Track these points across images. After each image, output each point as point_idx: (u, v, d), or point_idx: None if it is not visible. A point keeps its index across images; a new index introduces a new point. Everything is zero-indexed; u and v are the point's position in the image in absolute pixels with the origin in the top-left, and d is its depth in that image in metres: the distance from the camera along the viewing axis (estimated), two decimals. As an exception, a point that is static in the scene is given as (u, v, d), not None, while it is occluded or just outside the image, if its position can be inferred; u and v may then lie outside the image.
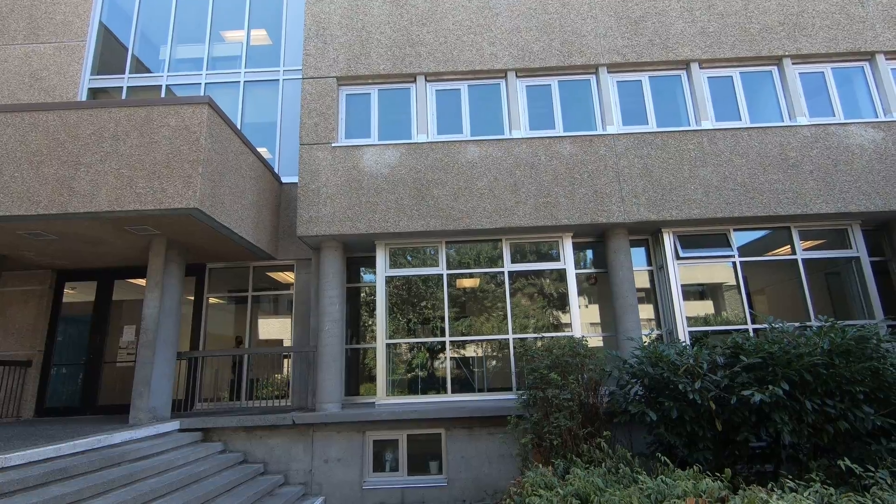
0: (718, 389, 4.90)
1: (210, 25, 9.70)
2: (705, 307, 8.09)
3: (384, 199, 7.59)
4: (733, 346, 5.37)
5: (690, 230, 7.77)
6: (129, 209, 6.00)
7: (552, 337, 7.11)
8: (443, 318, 7.66)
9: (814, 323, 7.02)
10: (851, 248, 7.64)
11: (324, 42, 8.44)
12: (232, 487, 5.89)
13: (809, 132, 7.69)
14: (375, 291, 7.76)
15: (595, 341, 7.95)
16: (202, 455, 6.31)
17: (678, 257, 7.64)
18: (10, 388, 7.93)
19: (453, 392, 7.44)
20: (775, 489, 3.60)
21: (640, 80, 8.34)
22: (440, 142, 7.88)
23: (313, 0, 8.66)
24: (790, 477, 4.13)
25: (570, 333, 7.38)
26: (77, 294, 8.90)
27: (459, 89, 8.41)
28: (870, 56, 8.21)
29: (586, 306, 8.28)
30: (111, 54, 9.66)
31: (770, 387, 4.54)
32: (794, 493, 3.31)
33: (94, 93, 9.43)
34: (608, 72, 8.31)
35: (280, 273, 8.97)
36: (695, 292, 8.04)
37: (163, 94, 9.35)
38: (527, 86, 8.40)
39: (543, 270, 7.95)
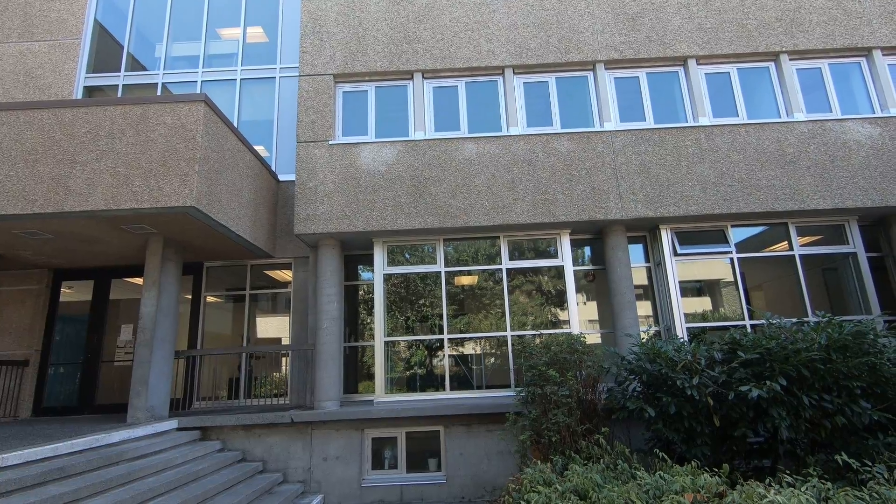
0: (716, 385, 4.91)
1: (206, 23, 9.65)
2: (703, 303, 8.10)
3: (382, 197, 7.58)
4: (731, 342, 5.37)
5: (688, 226, 7.77)
6: (126, 208, 5.97)
7: (550, 334, 7.12)
8: (441, 316, 7.66)
9: (811, 318, 7.05)
10: (848, 243, 7.66)
11: (320, 39, 8.41)
12: (231, 486, 5.88)
13: (806, 128, 7.70)
14: (373, 289, 7.76)
15: (593, 338, 7.96)
16: (200, 454, 6.31)
17: (676, 254, 7.65)
18: (8, 388, 7.91)
19: (452, 389, 7.45)
20: (773, 484, 3.61)
21: (638, 77, 8.33)
22: (437, 139, 7.86)
23: (309, -3, 8.62)
24: (788, 472, 4.14)
25: (568, 330, 7.38)
26: (74, 293, 8.87)
27: (457, 86, 8.39)
28: (867, 52, 8.21)
29: (584, 303, 8.29)
30: (106, 52, 9.61)
31: (768, 382, 4.56)
32: (791, 488, 3.32)
33: (89, 91, 9.37)
34: (605, 68, 8.30)
35: (278, 271, 8.96)
36: (692, 289, 8.05)
37: (159, 92, 9.30)
38: (524, 83, 8.38)
39: (541, 267, 7.95)
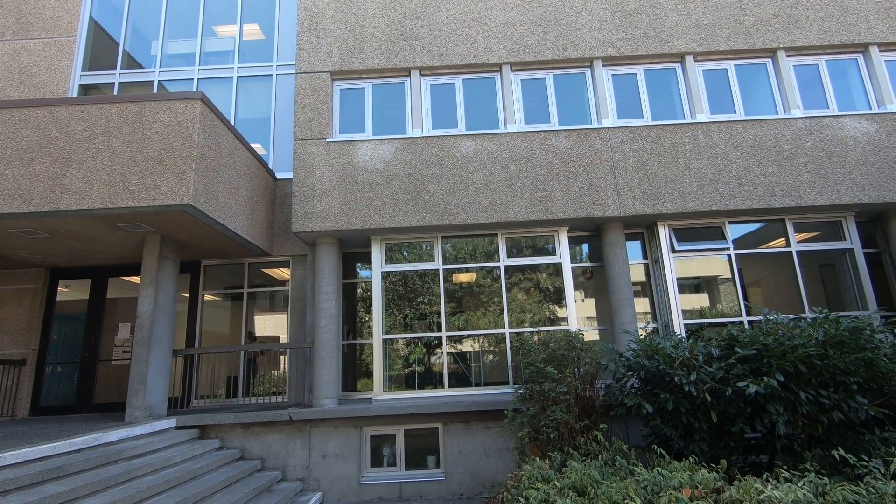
0: (714, 381, 4.92)
1: (202, 20, 9.60)
2: (701, 300, 8.12)
3: (379, 195, 7.57)
4: (728, 338, 5.38)
5: (686, 223, 7.78)
6: (122, 206, 5.95)
7: (548, 331, 7.12)
8: (439, 314, 7.66)
9: (808, 314, 7.08)
10: (845, 239, 7.68)
11: (317, 36, 8.38)
12: (229, 484, 5.88)
13: (804, 124, 7.71)
14: (372, 287, 7.75)
15: (591, 335, 7.97)
16: (199, 452, 6.30)
17: (673, 250, 7.66)
18: (5, 388, 7.89)
19: (450, 387, 7.45)
20: (770, 479, 3.62)
21: (635, 74, 8.32)
22: (435, 136, 7.85)
23: (306, -6, 8.59)
24: (785, 467, 4.15)
25: (566, 327, 7.40)
26: (71, 292, 8.84)
27: (454, 83, 8.37)
28: (863, 48, 8.22)
29: (582, 300, 8.30)
30: (102, 50, 9.56)
31: (765, 378, 4.56)
32: (788, 483, 3.33)
33: (85, 89, 9.33)
34: (603, 65, 8.29)
35: (276, 269, 8.95)
36: (690, 285, 8.07)
37: (155, 90, 9.26)
38: (522, 79, 8.36)
39: (539, 265, 7.95)
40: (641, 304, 7.97)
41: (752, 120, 7.75)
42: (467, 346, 7.87)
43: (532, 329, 7.50)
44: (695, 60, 8.25)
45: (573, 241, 8.19)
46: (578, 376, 5.99)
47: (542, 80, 8.36)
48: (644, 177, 7.55)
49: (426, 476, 6.87)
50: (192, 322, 8.44)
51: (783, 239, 7.75)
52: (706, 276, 8.20)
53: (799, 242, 7.72)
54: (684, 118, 8.05)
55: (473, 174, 7.63)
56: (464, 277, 8.09)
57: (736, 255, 7.66)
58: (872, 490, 3.26)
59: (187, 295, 8.55)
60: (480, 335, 7.85)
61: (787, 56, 8.23)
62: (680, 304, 7.52)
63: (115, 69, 9.41)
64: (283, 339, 8.55)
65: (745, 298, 7.55)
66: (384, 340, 7.64)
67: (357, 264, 8.62)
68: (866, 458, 3.90)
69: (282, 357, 8.54)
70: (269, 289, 9.03)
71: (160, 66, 9.43)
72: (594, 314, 8.28)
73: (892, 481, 3.31)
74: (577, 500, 3.68)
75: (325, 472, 6.83)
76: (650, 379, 5.44)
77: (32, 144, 6.09)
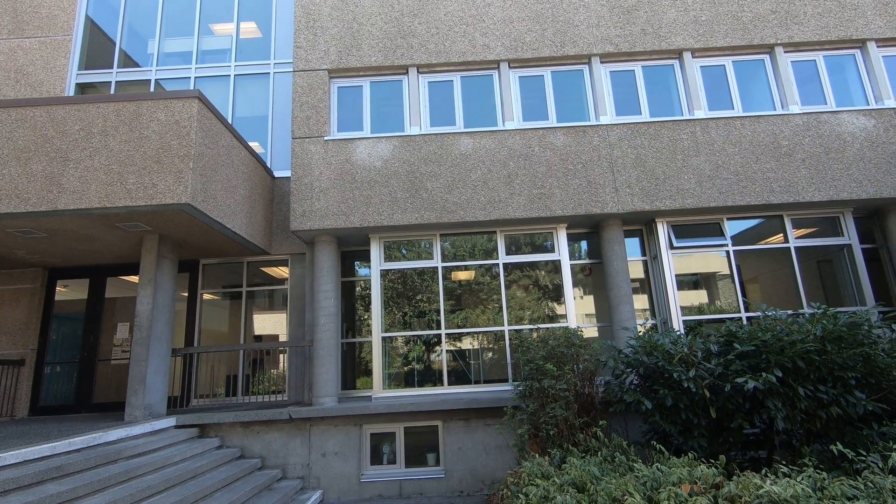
0: (712, 377, 4.94)
1: (199, 18, 9.56)
2: (699, 296, 8.13)
3: (378, 193, 7.56)
4: (727, 334, 5.39)
5: (684, 220, 7.79)
6: (120, 205, 5.93)
7: (548, 328, 7.13)
8: (438, 311, 7.67)
9: (806, 310, 7.10)
10: (843, 235, 7.70)
11: (314, 34, 8.35)
12: (230, 482, 5.89)
13: (801, 120, 7.71)
14: (371, 285, 7.75)
15: (590, 332, 7.98)
16: (199, 451, 6.30)
17: (672, 247, 7.67)
18: (4, 388, 7.88)
19: (450, 384, 7.46)
20: (769, 474, 3.63)
21: (633, 70, 8.31)
22: (433, 134, 7.83)
23: (303, -9, 8.56)
24: (784, 462, 4.17)
25: (565, 324, 7.41)
26: (69, 292, 8.83)
27: (452, 81, 8.36)
28: (861, 43, 8.22)
29: (581, 297, 8.31)
30: (98, 49, 9.52)
31: (763, 374, 4.58)
32: (787, 478, 3.34)
33: (81, 88, 9.29)
34: (601, 62, 8.28)
35: (274, 268, 8.94)
36: (689, 282, 8.08)
37: (152, 89, 9.23)
38: (520, 76, 8.35)
39: (538, 262, 7.96)
40: (640, 301, 7.98)
41: (750, 116, 7.75)
42: (466, 344, 7.88)
43: (531, 326, 7.51)
44: (692, 57, 8.25)
45: (572, 239, 8.19)
46: (578, 373, 6.00)
47: (540, 77, 8.35)
48: (642, 174, 7.55)
49: (426, 473, 6.88)
50: (191, 321, 8.43)
51: (781, 235, 7.77)
52: (705, 273, 8.21)
53: (797, 238, 7.74)
54: (682, 115, 8.04)
55: (472, 172, 7.62)
56: (463, 275, 8.09)
57: (734, 251, 7.67)
58: (871, 485, 3.27)
59: (186, 294, 8.54)
60: (480, 333, 7.86)
61: (785, 52, 8.22)
62: (679, 300, 7.53)
63: (111, 68, 9.37)
64: (283, 338, 8.55)
65: (744, 294, 7.57)
66: (383, 338, 7.64)
67: (356, 262, 8.61)
68: (864, 453, 3.92)
69: (281, 356, 8.53)
70: (267, 287, 9.02)
71: (157, 65, 9.39)
72: (593, 311, 8.29)
73: (891, 476, 3.32)
74: (577, 496, 3.69)
75: (325, 471, 6.84)
76: (649, 375, 5.45)
77: (29, 144, 6.06)
